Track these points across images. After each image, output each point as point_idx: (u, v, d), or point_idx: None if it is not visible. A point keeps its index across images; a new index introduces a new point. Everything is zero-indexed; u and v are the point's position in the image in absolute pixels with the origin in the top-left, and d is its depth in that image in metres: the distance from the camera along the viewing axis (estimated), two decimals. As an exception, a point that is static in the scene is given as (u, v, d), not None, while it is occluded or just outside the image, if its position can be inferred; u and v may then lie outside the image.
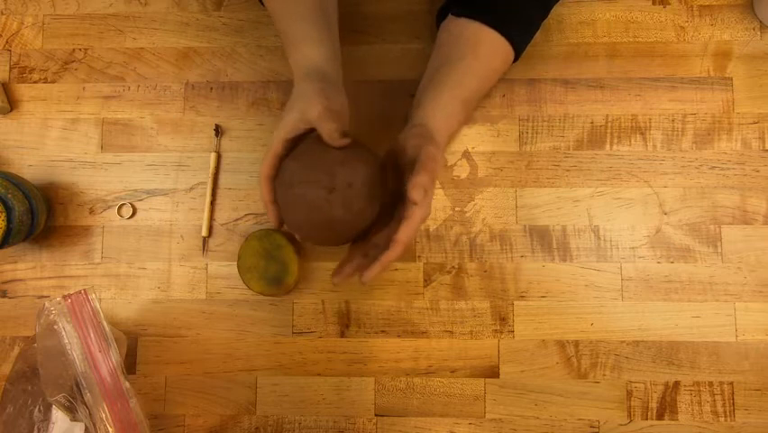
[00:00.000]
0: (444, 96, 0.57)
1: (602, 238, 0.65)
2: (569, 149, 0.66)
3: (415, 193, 0.48)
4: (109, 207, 0.67)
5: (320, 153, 0.53)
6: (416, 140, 0.53)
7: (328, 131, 0.51)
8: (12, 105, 0.69)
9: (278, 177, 0.54)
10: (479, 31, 0.57)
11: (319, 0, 0.56)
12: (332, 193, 0.51)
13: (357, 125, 0.67)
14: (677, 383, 0.63)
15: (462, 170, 0.66)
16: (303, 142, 0.55)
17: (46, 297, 0.66)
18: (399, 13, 0.69)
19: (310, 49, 0.56)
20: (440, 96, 0.57)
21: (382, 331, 0.65)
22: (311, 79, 0.54)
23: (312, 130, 0.53)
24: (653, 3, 0.68)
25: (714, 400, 0.63)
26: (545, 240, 0.65)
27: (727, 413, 0.62)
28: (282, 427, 0.64)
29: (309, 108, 0.52)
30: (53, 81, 0.69)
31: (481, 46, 0.57)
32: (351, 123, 0.67)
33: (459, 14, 0.59)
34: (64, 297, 0.55)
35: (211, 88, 0.68)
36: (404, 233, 0.49)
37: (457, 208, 0.66)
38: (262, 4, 0.61)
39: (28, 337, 0.65)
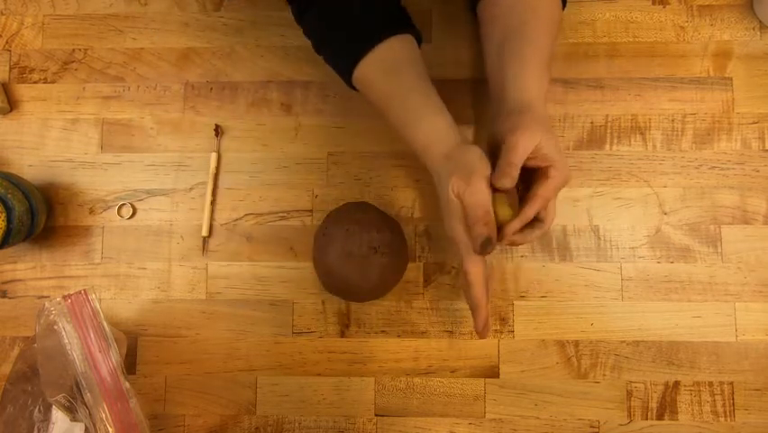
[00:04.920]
0: (529, 67, 0.55)
1: (602, 238, 0.65)
2: (569, 149, 0.66)
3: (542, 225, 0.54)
4: (109, 207, 0.67)
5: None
6: (517, 126, 0.52)
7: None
8: (12, 105, 0.69)
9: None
10: None
11: (420, 71, 0.57)
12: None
13: (357, 126, 0.67)
14: (677, 383, 0.63)
15: (462, 170, 0.66)
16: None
17: (46, 297, 0.66)
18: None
19: (438, 117, 0.55)
20: (524, 69, 0.55)
21: (382, 331, 0.65)
22: (464, 144, 0.54)
23: None
24: (653, 3, 0.68)
25: (714, 400, 0.63)
26: (545, 240, 0.65)
27: (727, 413, 0.62)
28: (282, 427, 0.64)
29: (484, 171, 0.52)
30: (53, 81, 0.69)
31: (538, 3, 0.57)
32: (351, 123, 0.68)
33: None
34: (64, 297, 0.55)
35: (211, 88, 0.68)
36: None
37: (457, 208, 0.66)
38: (353, 87, 0.60)
39: (28, 337, 0.65)
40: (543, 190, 0.52)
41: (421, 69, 0.57)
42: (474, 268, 0.52)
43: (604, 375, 0.63)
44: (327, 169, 0.67)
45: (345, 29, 0.56)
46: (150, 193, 0.67)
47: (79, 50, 0.70)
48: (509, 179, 0.50)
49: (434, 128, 0.54)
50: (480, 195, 0.50)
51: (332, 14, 0.57)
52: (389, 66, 0.56)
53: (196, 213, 0.67)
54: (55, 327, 0.54)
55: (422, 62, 0.57)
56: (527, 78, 0.55)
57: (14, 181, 0.62)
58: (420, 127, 0.55)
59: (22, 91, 0.69)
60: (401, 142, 0.66)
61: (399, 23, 0.57)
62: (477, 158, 0.52)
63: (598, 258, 0.65)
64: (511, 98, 0.54)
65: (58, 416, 0.55)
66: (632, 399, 0.63)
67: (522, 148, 0.50)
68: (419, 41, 0.59)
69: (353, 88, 0.60)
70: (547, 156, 0.51)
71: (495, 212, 0.51)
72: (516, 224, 0.52)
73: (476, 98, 0.67)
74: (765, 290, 0.64)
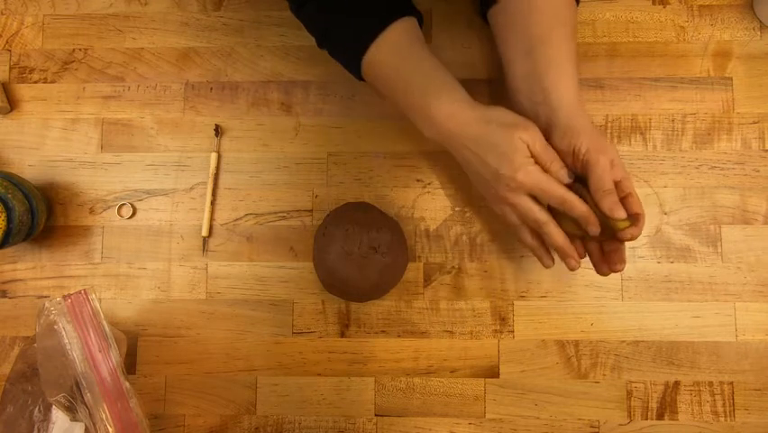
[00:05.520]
0: (570, 78, 0.55)
1: (602, 238, 0.65)
2: (569, 149, 0.66)
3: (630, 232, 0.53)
4: (109, 207, 0.67)
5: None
6: (584, 145, 0.53)
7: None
8: (12, 105, 0.69)
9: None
10: None
11: (430, 50, 0.57)
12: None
13: (357, 126, 0.67)
14: (677, 383, 0.63)
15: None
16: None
17: (46, 297, 0.66)
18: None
19: (461, 88, 0.55)
20: (568, 80, 0.55)
21: (382, 331, 0.65)
22: (488, 107, 0.54)
23: None
24: (653, 2, 0.68)
25: (714, 400, 0.63)
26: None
27: (727, 413, 0.62)
28: (282, 427, 0.64)
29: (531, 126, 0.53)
30: (53, 81, 0.69)
31: (556, 6, 0.56)
32: (351, 123, 0.68)
33: None
34: (64, 297, 0.55)
35: (211, 88, 0.68)
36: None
37: (457, 208, 0.66)
38: (361, 78, 0.60)
39: (28, 337, 0.65)
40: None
41: (429, 49, 0.57)
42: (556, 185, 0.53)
43: (604, 375, 0.63)
44: (327, 169, 0.67)
45: (348, 17, 0.56)
46: (150, 193, 0.67)
47: (79, 50, 0.70)
48: (618, 208, 0.51)
49: (460, 96, 0.55)
50: (543, 141, 0.53)
51: (331, 4, 0.56)
52: (401, 48, 0.56)
53: (196, 213, 0.67)
54: (55, 326, 0.54)
55: (425, 45, 0.57)
56: (572, 90, 0.55)
57: (15, 181, 0.62)
58: (446, 98, 0.55)
59: (22, 91, 0.69)
60: (401, 142, 0.67)
61: (402, 5, 0.57)
62: (513, 113, 0.54)
63: (598, 258, 0.65)
64: (564, 114, 0.54)
65: (58, 416, 0.55)
66: (632, 399, 0.63)
67: (607, 171, 0.52)
68: (421, 23, 0.59)
69: (360, 79, 0.59)
70: (616, 162, 0.53)
71: (613, 225, 0.52)
72: (640, 230, 0.53)
73: (476, 99, 0.67)
74: (765, 290, 0.64)
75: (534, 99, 0.56)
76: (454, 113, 0.54)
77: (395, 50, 0.56)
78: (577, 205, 0.52)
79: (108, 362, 0.54)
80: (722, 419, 0.62)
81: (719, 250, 0.64)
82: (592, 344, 0.64)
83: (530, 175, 0.52)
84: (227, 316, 0.65)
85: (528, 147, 0.52)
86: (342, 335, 0.65)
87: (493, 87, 0.67)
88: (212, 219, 0.67)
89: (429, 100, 0.55)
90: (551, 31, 0.56)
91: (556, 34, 0.56)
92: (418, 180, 0.66)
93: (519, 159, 0.51)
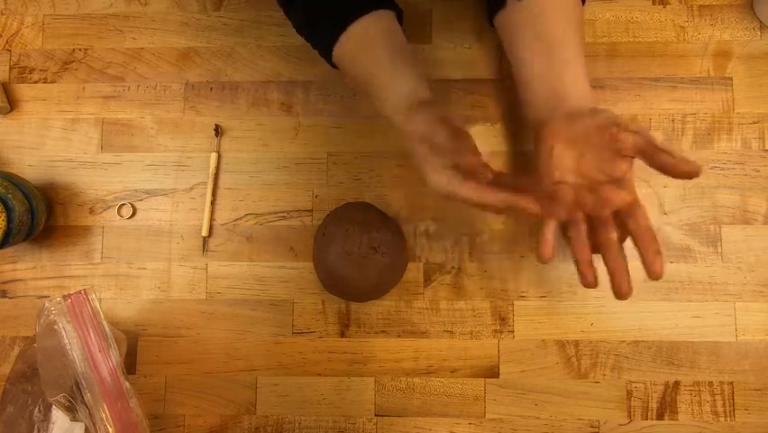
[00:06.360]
0: (579, 74, 0.55)
1: (602, 238, 0.65)
2: (569, 149, 0.66)
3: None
4: (109, 207, 0.67)
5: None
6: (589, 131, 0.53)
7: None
8: (12, 105, 0.69)
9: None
10: None
11: (392, 46, 0.56)
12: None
13: (357, 126, 0.67)
14: (677, 383, 0.63)
15: (462, 170, 0.66)
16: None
17: (46, 297, 0.66)
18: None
19: (408, 85, 0.54)
20: (576, 76, 0.55)
21: (382, 331, 0.65)
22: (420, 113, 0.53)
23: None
24: (653, 2, 0.68)
25: (714, 400, 0.63)
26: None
27: (727, 413, 0.62)
28: (282, 427, 0.64)
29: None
30: (53, 81, 0.69)
31: (567, 6, 0.56)
32: (351, 123, 0.68)
33: None
34: (64, 297, 0.55)
35: (211, 88, 0.68)
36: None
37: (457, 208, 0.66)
38: (333, 65, 0.59)
39: (28, 337, 0.65)
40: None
41: (393, 44, 0.56)
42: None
43: (604, 375, 0.63)
44: (327, 169, 0.67)
45: (322, 7, 0.56)
46: (150, 193, 0.67)
47: (79, 50, 0.70)
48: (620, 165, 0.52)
49: (408, 93, 0.54)
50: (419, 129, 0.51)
51: (314, 2, 0.56)
52: (367, 41, 0.55)
53: (196, 213, 0.67)
54: (55, 326, 0.54)
55: (397, 36, 0.56)
56: (587, 87, 0.55)
57: (15, 181, 0.62)
58: (398, 93, 0.54)
59: (23, 91, 0.69)
60: (401, 142, 0.67)
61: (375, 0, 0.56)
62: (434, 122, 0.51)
63: (598, 258, 0.64)
64: (583, 103, 0.55)
65: (58, 416, 0.55)
66: (632, 399, 0.63)
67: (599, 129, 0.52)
68: (400, 17, 0.59)
69: (335, 68, 0.59)
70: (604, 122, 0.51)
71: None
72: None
73: (475, 99, 0.67)
74: (765, 290, 0.64)
75: (549, 97, 0.56)
76: (394, 123, 0.54)
77: (361, 42, 0.55)
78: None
79: (108, 362, 0.54)
80: (722, 419, 0.62)
81: (719, 250, 0.64)
82: (592, 344, 0.64)
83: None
84: (227, 316, 0.65)
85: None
86: (342, 335, 0.65)
87: (493, 86, 0.67)
88: (212, 219, 0.67)
89: (385, 96, 0.54)
90: (564, 31, 0.55)
91: (570, 35, 0.55)
92: (419, 180, 0.66)
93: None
